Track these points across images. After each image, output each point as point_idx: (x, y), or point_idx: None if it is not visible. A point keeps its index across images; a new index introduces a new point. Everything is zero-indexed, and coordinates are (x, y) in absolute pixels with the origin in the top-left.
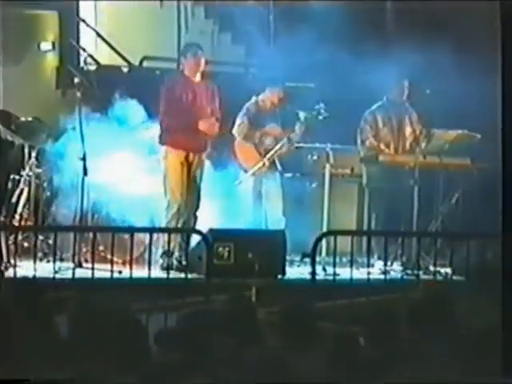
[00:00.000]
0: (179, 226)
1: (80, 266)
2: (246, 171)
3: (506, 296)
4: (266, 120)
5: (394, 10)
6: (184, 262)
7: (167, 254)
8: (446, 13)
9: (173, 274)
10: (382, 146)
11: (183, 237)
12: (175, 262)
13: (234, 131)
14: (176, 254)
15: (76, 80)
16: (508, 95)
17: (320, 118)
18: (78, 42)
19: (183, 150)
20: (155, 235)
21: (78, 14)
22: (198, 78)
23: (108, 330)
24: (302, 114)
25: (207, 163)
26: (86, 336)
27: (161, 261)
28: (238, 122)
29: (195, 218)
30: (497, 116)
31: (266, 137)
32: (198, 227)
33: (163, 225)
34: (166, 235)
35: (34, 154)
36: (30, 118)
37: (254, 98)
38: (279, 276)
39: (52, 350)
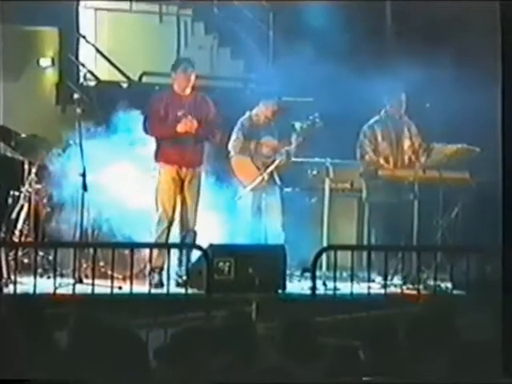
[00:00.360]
0: (173, 241)
1: (80, 281)
2: (244, 186)
3: (506, 296)
4: (261, 134)
5: (392, 24)
6: (179, 279)
7: (154, 270)
8: (445, 27)
9: (173, 290)
10: (382, 161)
11: (181, 252)
12: (165, 278)
13: (230, 146)
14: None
15: (75, 96)
16: (508, 108)
17: (316, 126)
18: (77, 57)
19: (175, 165)
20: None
21: (77, 30)
22: (187, 92)
23: (108, 345)
24: (297, 125)
25: (206, 178)
26: (85, 352)
27: (151, 277)
28: (233, 137)
29: (194, 233)
30: (496, 129)
31: (262, 150)
32: (198, 242)
33: (152, 240)
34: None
35: (33, 170)
36: (29, 134)
37: (247, 113)
38: (280, 291)
39: (50, 365)
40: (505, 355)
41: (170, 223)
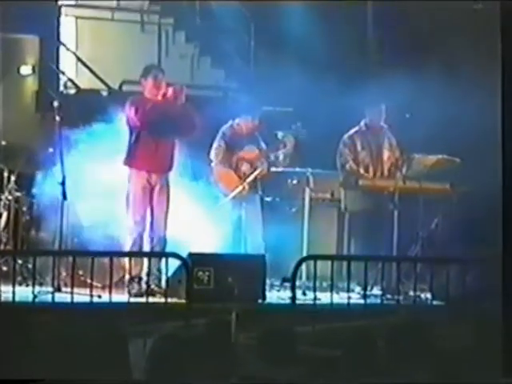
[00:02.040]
0: (146, 250)
1: (59, 290)
2: (225, 195)
3: (506, 297)
4: (243, 143)
5: (374, 35)
6: (154, 287)
7: (133, 279)
8: (428, 37)
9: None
10: (362, 170)
11: (155, 261)
12: (144, 287)
13: (212, 155)
14: (144, 278)
15: (55, 104)
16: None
17: (300, 136)
18: (57, 66)
19: (145, 172)
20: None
21: (58, 39)
22: (159, 97)
23: (87, 354)
24: (280, 135)
25: (185, 185)
26: (65, 360)
27: (130, 287)
28: (214, 145)
29: (165, 240)
30: (477, 140)
31: (243, 160)
32: (177, 251)
33: (127, 250)
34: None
35: (13, 178)
36: (9, 142)
37: (229, 122)
38: (259, 300)
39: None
40: (505, 355)
41: (141, 232)
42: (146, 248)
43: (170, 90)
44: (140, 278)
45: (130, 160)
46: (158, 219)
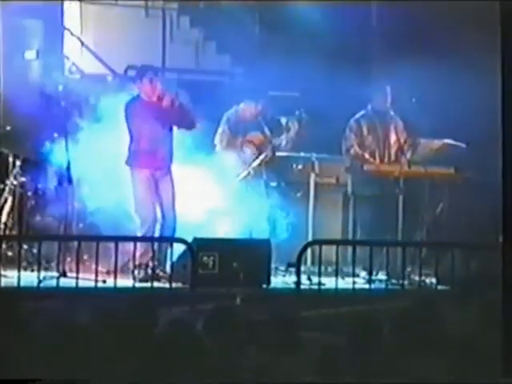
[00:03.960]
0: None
1: (64, 275)
2: (230, 181)
3: (506, 297)
4: (247, 127)
5: (379, 18)
6: (159, 272)
7: (140, 265)
8: (433, 22)
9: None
10: (367, 155)
11: (161, 248)
12: (149, 272)
13: (216, 140)
14: (150, 264)
15: (60, 88)
16: (508, 103)
17: (303, 121)
18: (62, 50)
19: (147, 169)
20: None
21: (62, 23)
22: (155, 98)
23: (92, 339)
24: (284, 120)
25: (191, 171)
26: (71, 345)
27: (136, 272)
28: (219, 130)
29: (174, 229)
30: (482, 125)
31: (248, 145)
32: (183, 236)
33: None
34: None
35: (18, 163)
36: (14, 127)
37: (234, 107)
38: (264, 285)
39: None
40: (505, 355)
41: (153, 224)
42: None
43: (167, 97)
44: (146, 264)
45: (132, 161)
46: (167, 207)
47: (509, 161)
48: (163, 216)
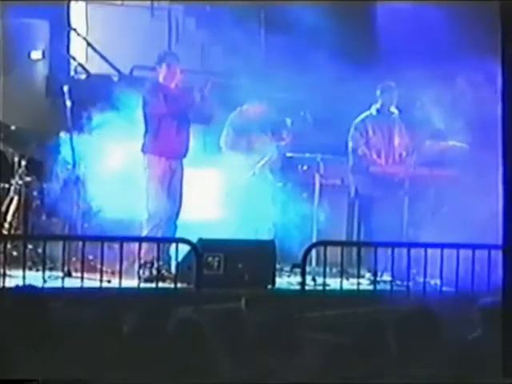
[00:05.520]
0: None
1: (69, 275)
2: (235, 181)
3: (506, 297)
4: (252, 129)
5: (384, 20)
6: (164, 272)
7: (144, 265)
8: (437, 22)
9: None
10: (374, 155)
11: (164, 247)
12: (155, 272)
13: (221, 142)
14: (155, 264)
15: (66, 89)
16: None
17: (307, 122)
18: (68, 51)
19: (165, 158)
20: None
21: (68, 23)
22: (173, 85)
23: (95, 340)
24: (288, 121)
25: (196, 171)
26: (75, 346)
27: (141, 272)
28: (224, 132)
29: (175, 226)
30: (486, 127)
31: (253, 145)
32: (188, 237)
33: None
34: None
35: (23, 163)
36: (19, 127)
37: (238, 109)
38: (269, 286)
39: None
40: (505, 355)
41: (161, 218)
42: (163, 234)
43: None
44: (152, 264)
45: (150, 147)
46: (175, 203)
47: (509, 163)
48: (170, 209)
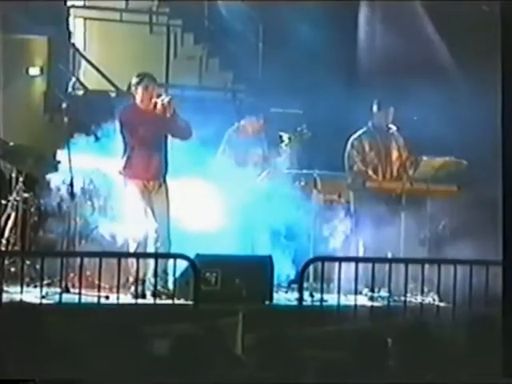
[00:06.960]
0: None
1: (67, 291)
2: (232, 197)
3: (506, 296)
4: (249, 145)
5: (381, 35)
6: (161, 289)
7: (136, 281)
8: (433, 39)
9: (159, 301)
10: (370, 171)
11: (158, 263)
12: (151, 288)
13: (218, 157)
14: (151, 280)
15: (64, 105)
16: (508, 117)
17: (304, 137)
18: (66, 67)
19: (140, 180)
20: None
21: (67, 39)
22: (151, 106)
23: (94, 355)
24: (285, 136)
25: (192, 187)
26: (73, 362)
27: (133, 288)
28: (220, 148)
29: (169, 241)
30: (483, 142)
31: (250, 162)
32: (185, 253)
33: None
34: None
35: (21, 179)
36: (17, 143)
37: (235, 124)
38: (266, 302)
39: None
40: (505, 355)
41: (146, 236)
42: (151, 250)
43: (159, 103)
44: (143, 281)
45: (125, 170)
46: (161, 219)
47: (509, 176)
48: (155, 226)
